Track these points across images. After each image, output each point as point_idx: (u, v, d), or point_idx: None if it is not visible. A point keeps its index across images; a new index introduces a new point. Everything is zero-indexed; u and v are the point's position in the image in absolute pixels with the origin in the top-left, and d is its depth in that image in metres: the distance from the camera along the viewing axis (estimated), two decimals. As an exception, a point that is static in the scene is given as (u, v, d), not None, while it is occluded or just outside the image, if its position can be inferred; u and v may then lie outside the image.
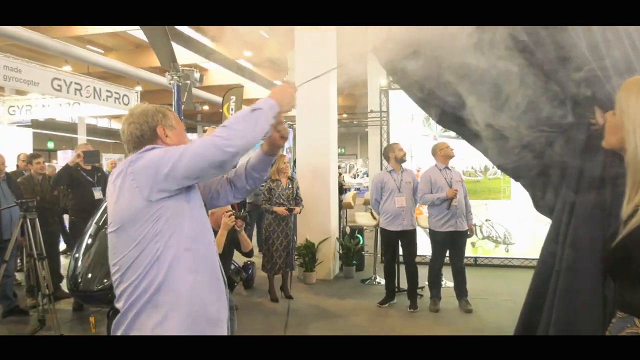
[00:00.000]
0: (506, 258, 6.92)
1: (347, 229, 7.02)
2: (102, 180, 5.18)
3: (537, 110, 1.85)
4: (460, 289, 4.98)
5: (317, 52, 6.07)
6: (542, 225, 6.73)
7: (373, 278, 6.21)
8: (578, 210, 1.81)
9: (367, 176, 16.15)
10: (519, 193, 6.83)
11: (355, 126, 14.55)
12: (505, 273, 6.60)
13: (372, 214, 6.26)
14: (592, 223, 1.75)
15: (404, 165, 5.19)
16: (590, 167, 1.79)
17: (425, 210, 6.03)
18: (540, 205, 2.21)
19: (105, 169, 8.62)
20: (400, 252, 5.23)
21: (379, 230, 6.59)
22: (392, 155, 5.12)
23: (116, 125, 19.11)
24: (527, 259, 6.84)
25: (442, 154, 5.01)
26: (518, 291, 5.87)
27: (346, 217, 7.87)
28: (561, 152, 1.89)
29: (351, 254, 6.51)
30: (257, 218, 7.49)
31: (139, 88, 13.25)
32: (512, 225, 6.87)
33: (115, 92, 10.51)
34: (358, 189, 17.53)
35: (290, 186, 5.43)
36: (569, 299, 1.75)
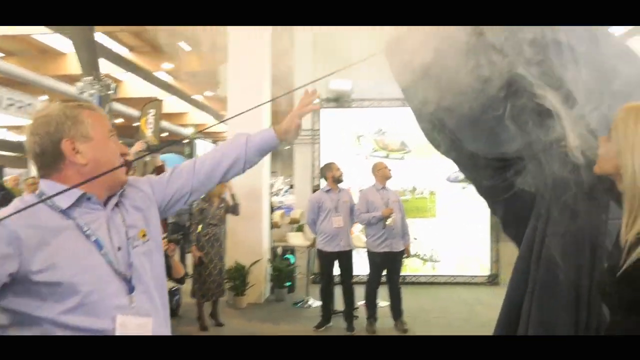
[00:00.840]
0: (432, 275, 7.13)
1: (279, 250, 6.83)
2: (6, 199, 4.57)
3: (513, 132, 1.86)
4: (397, 309, 5.00)
5: (250, 66, 5.92)
6: (466, 243, 7.06)
7: (305, 300, 6.07)
8: (551, 229, 1.82)
9: (288, 194, 16.08)
10: (444, 212, 7.12)
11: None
12: (433, 290, 6.78)
13: (304, 233, 6.16)
14: (565, 242, 1.77)
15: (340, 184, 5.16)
16: (562, 185, 1.81)
17: (356, 230, 6.05)
18: (509, 226, 2.21)
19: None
20: (337, 273, 5.15)
21: (311, 251, 6.50)
22: (329, 174, 5.06)
23: (13, 136, 17.25)
24: (452, 275, 7.10)
25: (380, 174, 5.05)
26: (447, 307, 6.12)
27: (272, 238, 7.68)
28: (534, 171, 1.91)
29: (283, 276, 6.32)
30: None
31: (44, 97, 12.13)
32: (438, 244, 7.11)
33: (18, 100, 9.48)
34: (279, 207, 17.36)
35: (221, 206, 5.16)
36: (543, 319, 1.75)
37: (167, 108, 19.33)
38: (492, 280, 7.06)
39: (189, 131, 19.26)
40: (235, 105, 6.01)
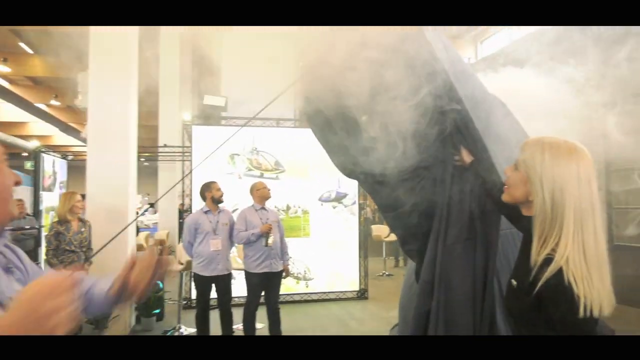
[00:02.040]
0: (306, 293, 7.22)
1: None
2: None
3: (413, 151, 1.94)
4: (275, 330, 4.92)
5: (115, 76, 5.43)
6: (337, 260, 7.31)
7: (177, 328, 5.66)
8: (449, 250, 1.94)
9: (148, 213, 15.04)
10: (317, 231, 7.30)
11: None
12: (307, 308, 6.86)
13: (175, 256, 5.77)
14: (462, 262, 1.90)
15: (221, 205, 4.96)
16: (458, 203, 1.95)
17: (233, 251, 5.86)
18: (408, 242, 2.30)
19: None
20: (214, 296, 4.90)
21: (184, 274, 6.10)
22: (209, 195, 4.84)
23: None
24: (324, 292, 7.28)
25: (258, 194, 4.96)
26: (323, 325, 6.22)
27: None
28: (431, 190, 2.02)
29: (151, 303, 5.82)
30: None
31: None
32: (311, 261, 7.24)
33: None
34: (142, 228, 16.12)
35: (82, 229, 4.59)
36: (448, 324, 1.86)
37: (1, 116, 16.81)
38: (361, 294, 7.41)
39: (32, 144, 16.93)
40: (96, 122, 5.44)
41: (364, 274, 7.48)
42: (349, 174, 2.38)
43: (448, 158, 2.00)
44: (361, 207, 7.69)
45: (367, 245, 7.78)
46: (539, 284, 1.23)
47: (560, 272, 1.21)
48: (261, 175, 7.06)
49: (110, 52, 5.37)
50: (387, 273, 9.63)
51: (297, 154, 7.18)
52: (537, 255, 1.29)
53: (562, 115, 2.23)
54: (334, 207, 7.34)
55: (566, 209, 1.25)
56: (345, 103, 2.01)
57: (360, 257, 7.46)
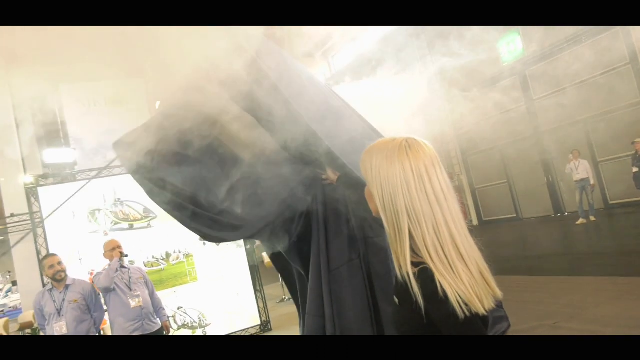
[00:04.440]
0: (205, 342, 6.72)
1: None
2: None
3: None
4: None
5: None
6: (232, 298, 6.93)
7: None
8: (334, 277, 1.82)
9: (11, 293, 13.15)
10: (204, 272, 6.86)
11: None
12: (209, 358, 6.37)
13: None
14: (352, 287, 1.79)
15: (78, 275, 4.33)
16: (334, 224, 1.84)
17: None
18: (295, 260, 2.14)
19: None
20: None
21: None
22: (44, 273, 4.20)
23: None
24: (226, 335, 6.84)
25: (108, 255, 4.40)
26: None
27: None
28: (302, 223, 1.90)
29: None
30: None
31: None
32: (204, 306, 6.77)
33: None
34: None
35: None
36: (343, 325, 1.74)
37: None
38: (265, 327, 7.10)
39: None
40: None
41: (264, 305, 7.20)
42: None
43: (316, 184, 1.90)
44: (247, 238, 7.41)
45: (261, 275, 7.52)
46: (419, 300, 1.13)
47: (425, 278, 1.13)
48: (131, 227, 6.45)
49: None
50: (287, 297, 9.42)
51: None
52: (399, 270, 1.19)
53: (420, 113, 2.27)
54: (217, 245, 6.97)
55: (401, 213, 1.16)
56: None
57: (255, 289, 7.16)
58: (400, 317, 1.26)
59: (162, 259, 6.60)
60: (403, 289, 1.20)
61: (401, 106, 2.33)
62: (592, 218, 10.34)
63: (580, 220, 10.44)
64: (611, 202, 11.33)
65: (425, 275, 1.13)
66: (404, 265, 1.18)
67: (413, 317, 1.17)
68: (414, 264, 1.16)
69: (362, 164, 1.28)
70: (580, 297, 5.15)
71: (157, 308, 4.48)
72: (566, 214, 12.20)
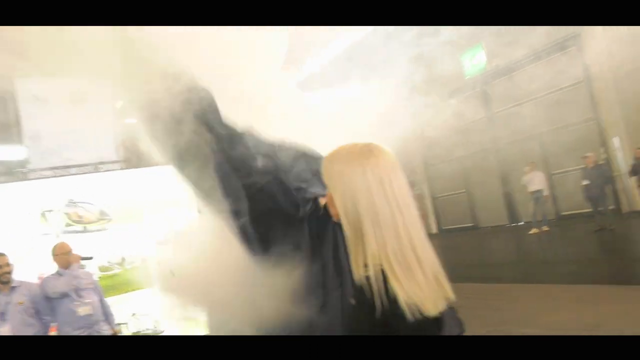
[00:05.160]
0: (161, 349, 6.52)
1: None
2: None
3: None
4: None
5: None
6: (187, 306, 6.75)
7: None
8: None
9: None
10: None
11: None
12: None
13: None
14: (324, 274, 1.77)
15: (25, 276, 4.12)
16: (318, 228, 1.80)
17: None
18: None
19: None
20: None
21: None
22: None
23: None
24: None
25: (57, 260, 4.21)
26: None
27: None
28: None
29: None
30: None
31: None
32: (160, 313, 6.57)
33: None
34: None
35: None
36: None
37: None
38: (222, 334, 6.97)
39: None
40: None
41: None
42: None
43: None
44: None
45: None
46: (376, 302, 1.14)
47: (381, 281, 1.14)
48: (84, 229, 6.20)
49: None
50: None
51: (126, 199, 6.48)
52: (358, 272, 1.20)
53: (384, 121, 2.28)
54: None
55: (362, 216, 1.18)
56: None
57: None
58: (356, 318, 1.27)
59: (117, 264, 6.37)
60: (359, 290, 1.21)
61: (366, 113, 2.34)
62: (545, 228, 10.74)
63: (534, 230, 10.82)
64: (562, 213, 11.81)
65: (381, 278, 1.15)
66: (361, 268, 1.20)
67: (367, 318, 1.18)
68: (371, 267, 1.18)
69: (323, 169, 1.30)
70: (533, 304, 5.31)
71: (107, 315, 4.32)
72: (521, 223, 12.63)
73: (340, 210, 1.23)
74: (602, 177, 9.59)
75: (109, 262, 6.28)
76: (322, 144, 1.89)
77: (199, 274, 1.92)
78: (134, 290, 6.37)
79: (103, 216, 6.38)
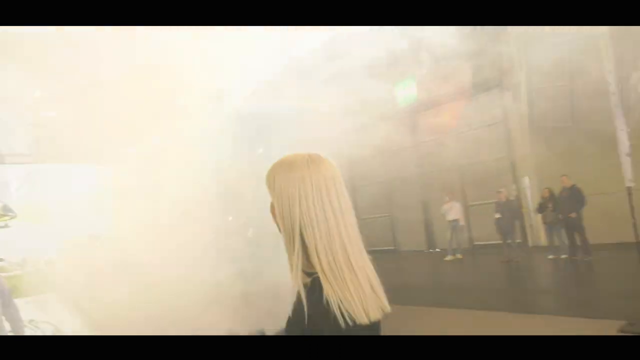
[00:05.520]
0: None
1: None
2: None
3: None
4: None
5: None
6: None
7: None
8: None
9: None
10: (68, 283, 6.19)
11: None
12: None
13: None
14: None
15: None
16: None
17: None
18: None
19: None
20: None
21: None
22: None
23: None
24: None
25: None
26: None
27: None
28: None
29: None
30: None
31: None
32: (62, 320, 6.10)
33: None
34: None
35: None
36: None
37: None
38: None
39: None
40: None
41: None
42: None
43: None
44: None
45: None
46: (306, 311, 1.13)
47: (314, 287, 1.15)
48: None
49: None
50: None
51: (33, 194, 6.00)
52: (291, 277, 1.20)
53: (318, 139, 2.30)
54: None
55: (297, 223, 1.20)
56: None
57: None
58: (290, 324, 1.25)
59: (18, 264, 5.86)
60: (296, 297, 1.20)
61: (306, 129, 2.37)
62: (459, 256, 11.35)
63: (449, 257, 11.40)
64: (475, 243, 12.56)
65: (314, 284, 1.16)
66: (296, 274, 1.19)
67: (299, 324, 1.17)
68: (307, 274, 1.18)
69: (266, 178, 1.30)
70: (444, 327, 5.56)
71: (12, 318, 3.95)
72: (437, 250, 13.25)
73: (277, 215, 1.25)
74: (512, 212, 10.36)
75: (8, 263, 5.76)
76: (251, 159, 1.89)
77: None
78: (34, 294, 5.88)
79: (6, 212, 5.86)
